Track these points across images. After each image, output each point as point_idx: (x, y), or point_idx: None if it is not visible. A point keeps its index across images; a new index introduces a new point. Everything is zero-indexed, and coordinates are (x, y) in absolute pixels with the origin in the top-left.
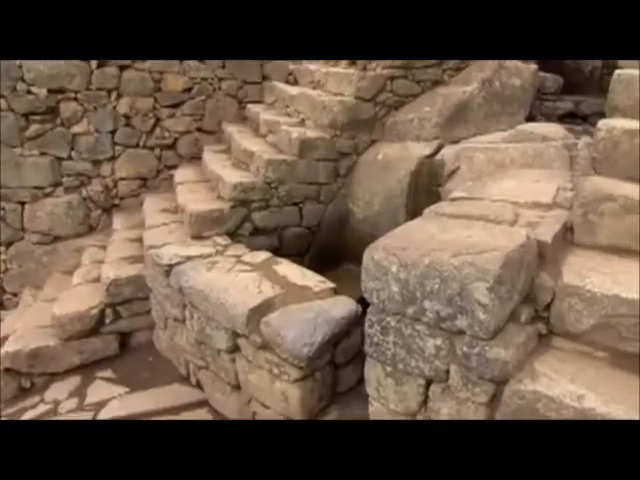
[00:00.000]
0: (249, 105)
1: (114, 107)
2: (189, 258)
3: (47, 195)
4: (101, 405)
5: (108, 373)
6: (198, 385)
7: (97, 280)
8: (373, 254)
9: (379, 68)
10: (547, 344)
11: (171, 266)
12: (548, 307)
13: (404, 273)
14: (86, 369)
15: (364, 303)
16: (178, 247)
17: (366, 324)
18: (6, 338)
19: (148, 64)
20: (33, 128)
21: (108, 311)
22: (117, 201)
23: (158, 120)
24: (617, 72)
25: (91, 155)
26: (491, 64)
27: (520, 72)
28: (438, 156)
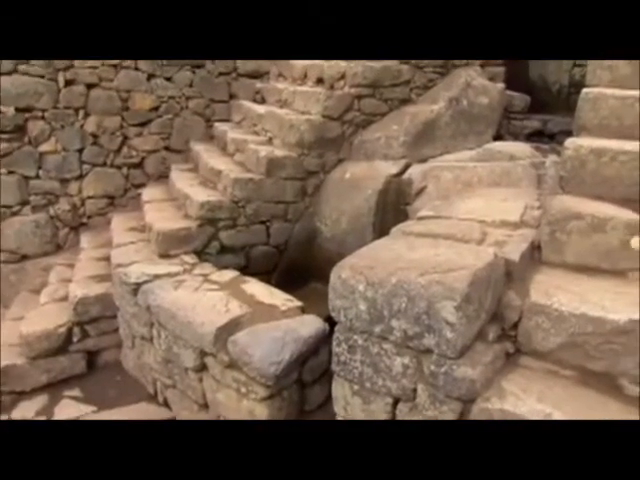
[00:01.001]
0: (217, 124)
1: (82, 126)
2: (156, 277)
3: (14, 214)
4: None
5: (76, 392)
6: (166, 404)
7: (65, 299)
8: (340, 273)
9: (346, 87)
10: (515, 363)
11: (138, 285)
12: (515, 326)
13: (371, 292)
14: (53, 388)
15: (332, 322)
16: (146, 266)
17: (333, 343)
18: None
19: (116, 83)
20: (1, 147)
21: (76, 330)
22: (85, 220)
23: (126, 139)
24: (585, 91)
25: (59, 174)
26: (458, 83)
27: (487, 91)
28: (406, 175)
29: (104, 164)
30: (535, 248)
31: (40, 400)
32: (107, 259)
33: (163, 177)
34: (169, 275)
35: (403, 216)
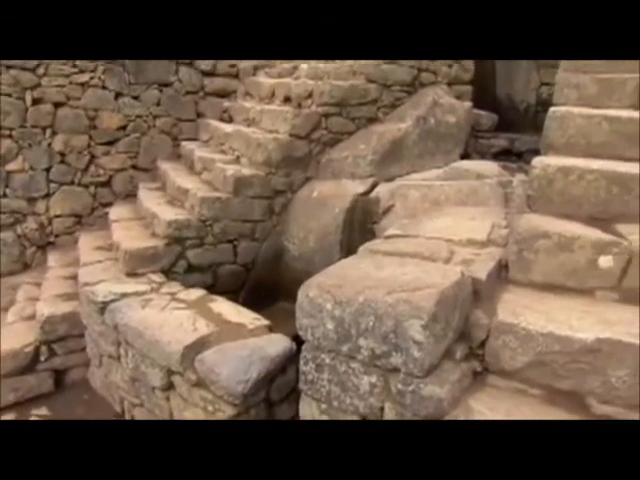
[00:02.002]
0: (184, 142)
1: (49, 144)
2: (124, 295)
3: None
4: None
5: (43, 410)
6: None
7: (32, 317)
8: (308, 291)
9: (314, 105)
10: (482, 381)
11: (106, 303)
12: (483, 344)
13: (339, 311)
14: (21, 406)
15: (299, 340)
16: (113, 284)
17: (301, 361)
18: None
19: (83, 101)
20: None
21: (43, 348)
22: (52, 239)
23: (93, 157)
24: (552, 109)
25: (26, 192)
26: (426, 101)
27: (455, 109)
28: (373, 193)
29: (72, 183)
30: (502, 267)
31: (7, 419)
32: (74, 278)
33: (131, 196)
34: (136, 294)
35: (370, 235)
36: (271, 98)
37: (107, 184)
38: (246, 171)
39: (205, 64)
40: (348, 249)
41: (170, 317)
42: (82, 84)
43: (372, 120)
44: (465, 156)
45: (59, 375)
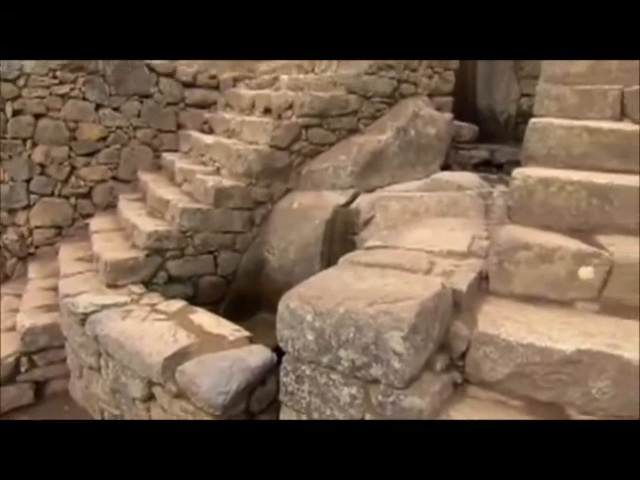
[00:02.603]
0: (164, 154)
1: (29, 156)
2: (104, 307)
3: None
4: None
5: None
6: None
7: (12, 329)
8: (288, 303)
9: (294, 117)
10: (463, 393)
11: (86, 315)
12: (463, 356)
13: (319, 322)
14: (1, 418)
15: (280, 352)
16: (93, 296)
17: (281, 373)
18: None
19: (63, 113)
20: None
21: (23, 360)
22: (32, 250)
23: (73, 169)
24: (532, 121)
25: (6, 204)
26: (406, 113)
27: (435, 121)
28: (353, 205)
29: (52, 194)
30: (483, 278)
31: None
32: (55, 289)
33: (111, 207)
34: (117, 305)
35: (351, 246)
36: (251, 109)
37: (87, 195)
38: (227, 182)
39: (185, 75)
40: (329, 260)
41: (151, 328)
42: (62, 95)
43: (352, 131)
44: (445, 167)
45: (40, 386)
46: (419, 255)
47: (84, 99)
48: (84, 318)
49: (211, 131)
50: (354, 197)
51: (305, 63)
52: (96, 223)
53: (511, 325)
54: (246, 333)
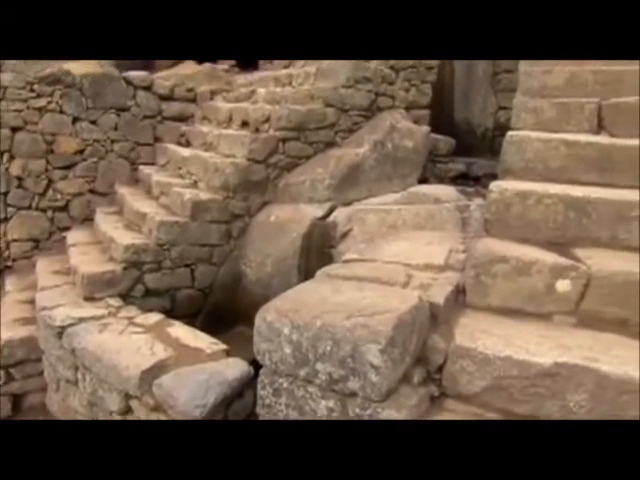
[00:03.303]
0: (141, 167)
1: (6, 169)
2: (81, 320)
3: None
4: None
5: None
6: None
7: None
8: (266, 316)
9: (271, 130)
10: (440, 406)
11: (63, 328)
12: (441, 369)
13: (296, 335)
14: None
15: (257, 365)
16: (70, 309)
17: (258, 386)
18: None
19: (40, 126)
20: None
21: (1, 373)
22: (10, 263)
23: (51, 182)
24: (509, 134)
25: None
26: (383, 126)
27: (412, 134)
28: (331, 218)
29: (29, 207)
30: (460, 291)
31: None
32: (32, 302)
33: (88, 220)
34: (94, 318)
35: (328, 259)
36: (229, 122)
37: (65, 208)
38: (204, 195)
39: (163, 88)
40: (306, 274)
41: (128, 341)
42: (40, 109)
43: (330, 144)
44: (423, 180)
45: (17, 399)
46: (396, 268)
47: (61, 112)
48: (61, 331)
49: (188, 144)
50: (331, 210)
51: (282, 76)
52: (73, 236)
53: (488, 338)
54: (223, 346)
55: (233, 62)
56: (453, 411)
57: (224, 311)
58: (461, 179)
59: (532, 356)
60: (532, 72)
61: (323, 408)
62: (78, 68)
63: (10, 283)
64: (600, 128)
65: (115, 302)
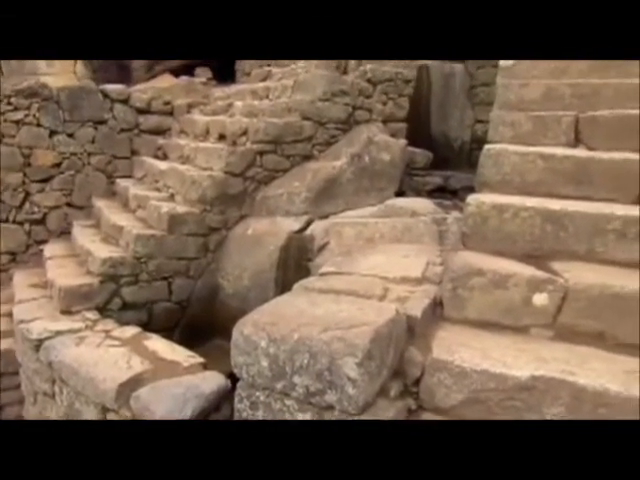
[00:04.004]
0: (118, 180)
1: None
2: (59, 333)
3: None
4: None
5: None
6: None
7: None
8: (242, 329)
9: (248, 143)
10: (417, 419)
11: (41, 341)
12: (418, 382)
13: (274, 348)
14: None
15: (234, 378)
16: (48, 322)
17: (235, 399)
18: None
19: (17, 139)
20: None
21: None
22: None
23: (28, 195)
24: (487, 147)
25: None
26: (360, 139)
27: (389, 147)
28: (308, 231)
29: (6, 220)
30: (437, 304)
31: None
32: (9, 315)
33: (65, 233)
34: (71, 331)
35: (305, 272)
36: (206, 135)
37: (42, 221)
38: (181, 208)
39: (140, 101)
40: (283, 287)
41: (105, 355)
42: (17, 122)
43: (307, 157)
44: (400, 194)
45: None
46: (373, 281)
47: (38, 125)
48: (38, 344)
49: (165, 157)
50: (308, 223)
51: (260, 89)
52: (50, 249)
53: (465, 351)
54: (200, 359)
55: (210, 75)
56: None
57: (201, 324)
58: (438, 192)
59: (509, 369)
60: (509, 85)
61: None
62: (55, 81)
63: None
64: (577, 141)
65: (92, 315)
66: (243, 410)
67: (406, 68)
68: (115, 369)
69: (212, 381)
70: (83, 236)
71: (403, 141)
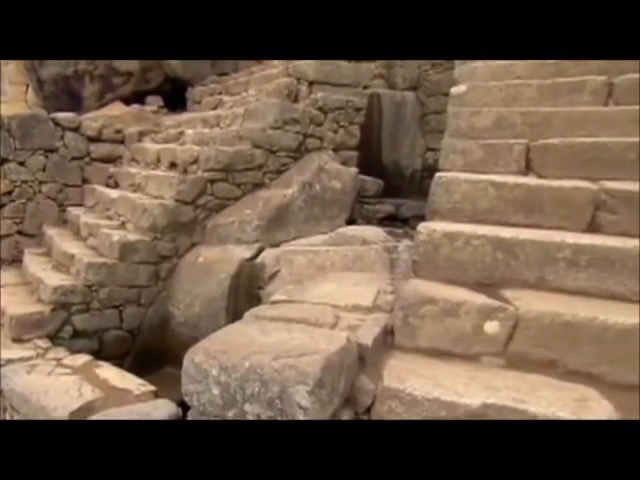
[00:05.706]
0: (70, 208)
1: None
2: (9, 361)
3: None
4: None
5: None
6: None
7: None
8: (193, 357)
9: (200, 171)
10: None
11: None
12: (369, 410)
13: (225, 376)
14: None
15: (185, 406)
16: None
17: None
18: None
19: None
20: None
21: None
22: None
23: None
24: (438, 175)
25: None
26: (312, 167)
27: (340, 175)
28: (259, 259)
29: None
30: (388, 332)
31: None
32: None
33: (16, 261)
34: (22, 359)
35: (257, 300)
36: (157, 164)
37: None
38: (132, 236)
39: (91, 129)
40: (234, 315)
41: (56, 383)
42: None
43: (258, 185)
44: (351, 221)
45: None
46: (324, 309)
47: None
48: None
49: (117, 185)
50: (259, 251)
51: (211, 117)
52: (1, 277)
53: (416, 379)
54: (151, 387)
55: (161, 103)
56: None
57: (153, 352)
58: (389, 220)
59: (460, 397)
60: (460, 113)
61: None
62: (6, 109)
63: None
64: (528, 169)
65: (43, 343)
66: None
67: (357, 96)
68: (66, 397)
69: (163, 409)
70: (34, 264)
71: (354, 169)
